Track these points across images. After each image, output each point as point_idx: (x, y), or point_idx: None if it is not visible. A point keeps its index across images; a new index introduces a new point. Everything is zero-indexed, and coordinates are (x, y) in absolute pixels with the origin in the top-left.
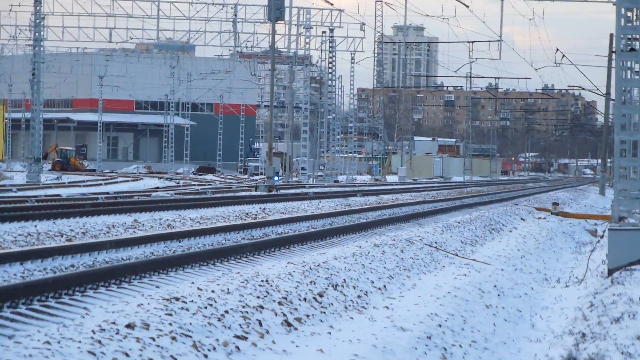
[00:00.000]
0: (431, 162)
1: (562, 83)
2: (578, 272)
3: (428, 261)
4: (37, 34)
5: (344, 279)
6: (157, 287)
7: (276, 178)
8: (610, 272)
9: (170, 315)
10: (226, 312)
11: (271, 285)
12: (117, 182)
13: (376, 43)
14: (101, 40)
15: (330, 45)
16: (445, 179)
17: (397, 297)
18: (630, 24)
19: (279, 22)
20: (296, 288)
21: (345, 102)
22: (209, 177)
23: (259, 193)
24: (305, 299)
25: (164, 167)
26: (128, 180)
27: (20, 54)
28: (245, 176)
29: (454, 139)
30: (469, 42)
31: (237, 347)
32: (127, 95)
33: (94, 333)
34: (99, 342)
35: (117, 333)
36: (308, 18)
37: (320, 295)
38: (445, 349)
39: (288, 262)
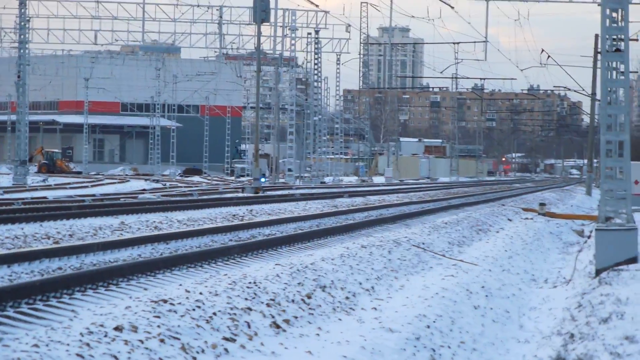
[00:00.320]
0: (417, 163)
1: (548, 84)
2: (566, 272)
3: (415, 262)
4: (22, 36)
5: (332, 281)
6: (145, 289)
7: (263, 179)
8: (598, 272)
9: (158, 317)
10: (214, 314)
11: (259, 287)
12: (103, 184)
13: (362, 44)
14: (86, 42)
15: (316, 46)
16: (431, 180)
17: (385, 299)
18: (615, 25)
19: (264, 23)
20: (284, 289)
21: (331, 104)
22: (196, 178)
23: (245, 195)
24: (293, 301)
25: (150, 169)
26: (114, 183)
27: (5, 56)
28: (232, 178)
29: (440, 140)
30: (454, 43)
31: (226, 349)
32: (112, 97)
33: (82, 336)
34: (87, 344)
35: (106, 336)
36: (293, 20)
37: (308, 297)
38: (433, 350)
39: (276, 264)
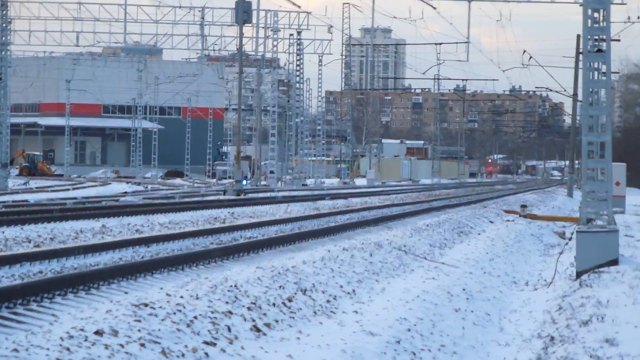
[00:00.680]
0: (399, 165)
1: (530, 84)
2: (547, 274)
3: (397, 265)
4: (3, 38)
5: (313, 284)
6: (126, 292)
7: (244, 182)
8: (579, 274)
9: (139, 321)
10: (195, 317)
11: (240, 291)
12: (84, 187)
13: (344, 45)
14: (68, 44)
15: (298, 47)
16: (413, 182)
17: (366, 302)
18: (597, 25)
19: (246, 24)
20: (265, 293)
21: (313, 105)
22: (177, 181)
23: (227, 197)
24: (274, 304)
25: (132, 172)
26: (96, 185)
27: None
28: (214, 180)
29: (422, 142)
30: (436, 44)
31: (206, 354)
32: (94, 99)
33: (62, 340)
34: (67, 349)
35: (86, 340)
36: (275, 21)
37: (289, 300)
38: (414, 354)
39: (257, 267)
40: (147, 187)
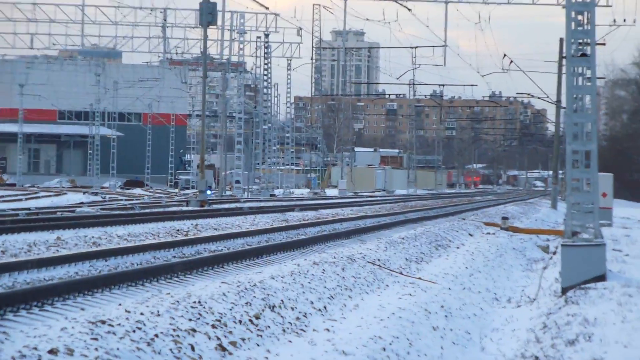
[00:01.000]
0: (373, 175)
1: (510, 90)
2: (530, 291)
3: (371, 280)
4: None
5: (282, 300)
6: (82, 309)
7: (209, 192)
8: (564, 290)
9: (96, 339)
10: (156, 335)
11: (204, 307)
12: (38, 197)
13: (314, 49)
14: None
15: (266, 51)
16: (388, 192)
17: (338, 319)
18: (581, 28)
19: (211, 27)
20: (231, 309)
21: (282, 111)
22: (137, 191)
23: (190, 208)
24: (240, 322)
25: (89, 181)
26: (50, 195)
27: None
28: (176, 190)
29: (397, 150)
30: (411, 47)
31: None
32: (49, 104)
33: None
34: None
35: (39, 359)
36: (242, 23)
37: (257, 317)
38: None
39: (222, 282)
40: (104, 197)
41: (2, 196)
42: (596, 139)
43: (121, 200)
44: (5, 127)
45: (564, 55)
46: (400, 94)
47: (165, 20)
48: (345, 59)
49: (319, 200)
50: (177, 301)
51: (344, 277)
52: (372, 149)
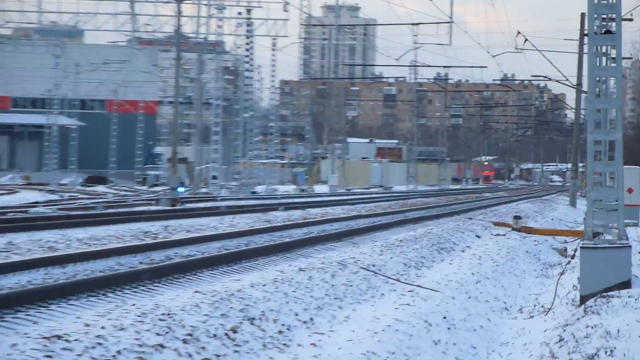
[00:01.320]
0: (368, 169)
1: (525, 72)
2: (544, 299)
3: (364, 288)
4: None
5: (263, 311)
6: (35, 322)
7: (181, 189)
8: (583, 299)
9: (50, 357)
10: (118, 352)
11: (174, 320)
12: None
13: (302, 26)
14: None
15: (248, 28)
16: (385, 189)
17: (326, 332)
18: (605, 1)
19: (185, 2)
20: (204, 322)
21: (266, 97)
22: (100, 188)
23: (160, 208)
24: (215, 336)
25: (45, 177)
26: (2, 194)
27: None
28: (144, 187)
29: (396, 141)
30: (413, 24)
31: None
32: (1, 90)
33: None
34: None
35: None
36: None
37: (234, 331)
38: None
39: (195, 291)
40: (63, 196)
41: None
42: (621, 127)
43: (82, 199)
44: None
45: (585, 32)
46: (399, 77)
47: None
48: (338, 38)
49: (307, 198)
50: (144, 313)
51: (333, 285)
52: (367, 140)
